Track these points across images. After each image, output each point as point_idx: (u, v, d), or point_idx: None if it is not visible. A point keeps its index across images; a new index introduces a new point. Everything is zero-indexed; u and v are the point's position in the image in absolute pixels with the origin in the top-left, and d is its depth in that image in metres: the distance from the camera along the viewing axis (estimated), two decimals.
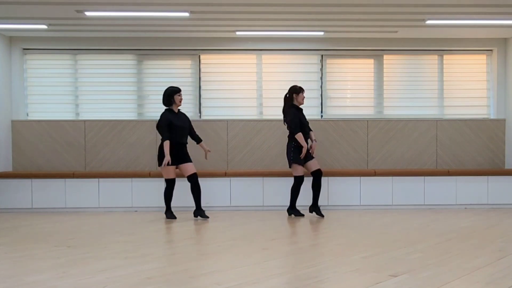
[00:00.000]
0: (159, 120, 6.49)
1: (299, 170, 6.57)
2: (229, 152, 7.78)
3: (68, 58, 7.90)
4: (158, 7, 6.10)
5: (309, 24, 6.97)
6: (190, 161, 6.54)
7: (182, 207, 6.90)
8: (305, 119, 6.69)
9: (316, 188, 6.61)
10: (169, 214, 6.59)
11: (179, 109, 6.63)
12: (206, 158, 6.77)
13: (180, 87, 6.65)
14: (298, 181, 6.60)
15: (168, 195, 6.60)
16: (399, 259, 4.34)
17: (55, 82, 7.89)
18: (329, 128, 7.78)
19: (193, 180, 6.51)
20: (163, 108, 6.47)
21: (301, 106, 6.68)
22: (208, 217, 6.51)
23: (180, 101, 6.54)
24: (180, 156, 6.49)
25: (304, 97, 6.65)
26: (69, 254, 4.57)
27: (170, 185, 6.56)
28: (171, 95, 6.50)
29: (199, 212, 6.54)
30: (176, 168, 6.55)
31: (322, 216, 6.58)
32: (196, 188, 6.51)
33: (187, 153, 6.57)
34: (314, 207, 6.64)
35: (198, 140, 6.72)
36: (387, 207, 7.29)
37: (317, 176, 6.63)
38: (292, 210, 6.68)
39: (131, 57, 7.95)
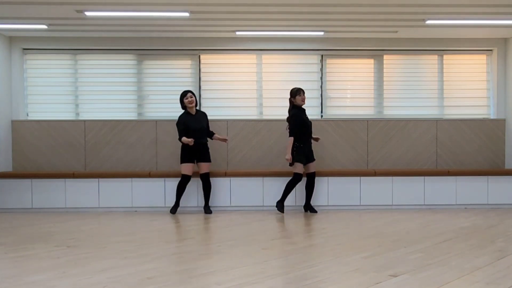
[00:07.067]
0: (177, 121, 6.84)
1: (299, 168, 6.76)
2: (229, 152, 7.78)
3: (68, 58, 7.90)
4: (158, 7, 6.10)
5: (309, 24, 6.97)
6: (207, 160, 6.89)
7: (181, 207, 6.96)
8: (308, 120, 6.90)
9: (311, 188, 6.95)
10: (174, 210, 6.88)
11: (197, 110, 6.93)
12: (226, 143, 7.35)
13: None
14: (298, 178, 6.78)
15: (180, 189, 6.84)
16: (399, 259, 4.34)
17: (55, 82, 7.89)
18: (329, 128, 7.78)
19: (205, 178, 6.90)
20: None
21: (303, 107, 6.88)
22: (210, 212, 6.88)
23: (190, 103, 6.81)
24: (198, 155, 6.83)
25: (303, 98, 6.81)
26: (69, 254, 4.57)
27: (184, 180, 6.81)
28: (181, 99, 6.85)
29: (205, 208, 6.94)
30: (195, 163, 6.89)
31: (316, 211, 6.93)
32: (207, 186, 6.91)
33: (207, 152, 6.92)
34: (308, 206, 6.98)
35: (210, 135, 7.00)
36: (387, 207, 7.29)
37: (312, 177, 6.94)
38: (281, 204, 6.83)
39: (131, 57, 7.95)
